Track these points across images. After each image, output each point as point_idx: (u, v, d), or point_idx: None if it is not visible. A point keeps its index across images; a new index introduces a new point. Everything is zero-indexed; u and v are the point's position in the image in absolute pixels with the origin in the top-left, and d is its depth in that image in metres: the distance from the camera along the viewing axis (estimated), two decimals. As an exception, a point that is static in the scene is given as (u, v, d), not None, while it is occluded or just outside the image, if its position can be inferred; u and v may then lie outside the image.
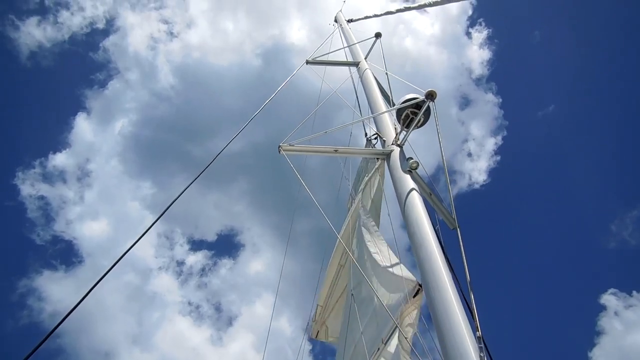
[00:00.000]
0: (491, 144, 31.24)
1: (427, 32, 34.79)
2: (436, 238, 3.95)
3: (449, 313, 3.24)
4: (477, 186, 30.29)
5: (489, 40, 34.42)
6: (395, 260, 5.23)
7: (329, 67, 9.34)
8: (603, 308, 24.72)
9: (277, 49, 32.01)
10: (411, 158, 4.90)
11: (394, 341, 4.51)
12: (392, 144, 5.43)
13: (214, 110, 31.91)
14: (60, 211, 28.24)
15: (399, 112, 5.64)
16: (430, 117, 5.45)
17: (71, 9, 30.80)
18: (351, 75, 8.76)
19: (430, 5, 9.79)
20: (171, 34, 33.56)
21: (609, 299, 24.68)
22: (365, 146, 7.21)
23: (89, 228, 29.94)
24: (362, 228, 6.18)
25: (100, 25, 31.74)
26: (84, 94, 32.42)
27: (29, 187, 27.17)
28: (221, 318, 28.63)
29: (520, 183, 31.74)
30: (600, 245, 27.41)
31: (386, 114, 6.18)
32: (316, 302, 7.22)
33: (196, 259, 30.22)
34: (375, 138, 6.57)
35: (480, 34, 33.55)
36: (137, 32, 33.28)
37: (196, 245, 31.22)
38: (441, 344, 3.15)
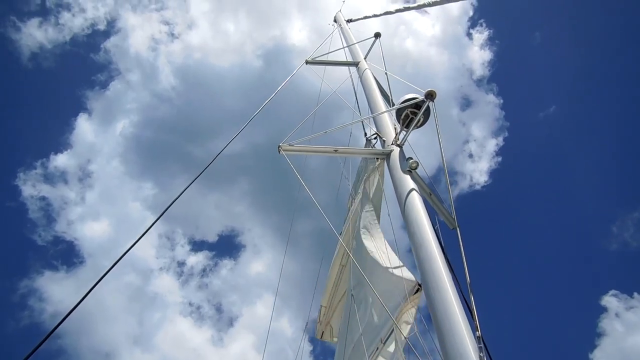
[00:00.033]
0: (492, 145, 31.26)
1: (428, 33, 34.81)
2: (436, 238, 3.96)
3: (449, 313, 3.24)
4: (478, 187, 30.30)
5: (490, 41, 34.40)
6: (395, 260, 5.23)
7: (328, 68, 9.34)
8: (604, 309, 24.74)
9: (278, 50, 32.02)
10: (411, 158, 4.90)
11: (393, 341, 4.51)
12: (392, 144, 5.44)
13: (215, 111, 31.96)
14: (62, 212, 28.28)
15: (399, 112, 5.64)
16: (430, 117, 5.46)
17: (72, 11, 30.87)
18: (350, 76, 8.77)
19: (429, 5, 9.79)
20: (172, 35, 33.60)
21: (610, 300, 24.70)
22: (365, 146, 7.21)
23: (90, 229, 29.97)
24: (362, 228, 6.18)
25: (102, 26, 31.80)
26: (85, 95, 32.48)
27: (30, 187, 27.22)
28: (222, 319, 28.65)
29: (522, 184, 31.76)
30: (602, 246, 27.41)
31: (386, 114, 6.19)
32: (319, 302, 7.24)
33: (197, 260, 30.24)
34: (375, 138, 6.57)
35: (481, 35, 33.56)
36: (138, 33, 33.31)
37: (197, 246, 31.21)
38: (441, 344, 3.15)
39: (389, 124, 5.93)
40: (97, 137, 31.95)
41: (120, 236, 29.15)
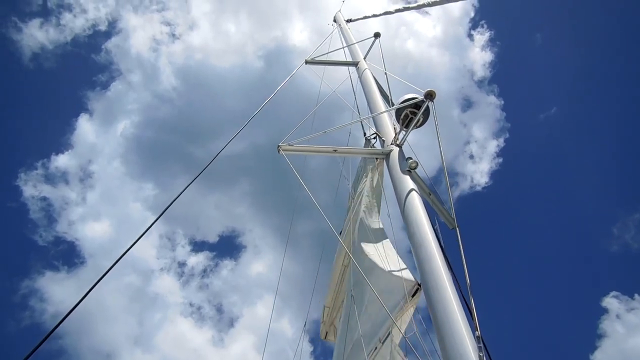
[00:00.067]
0: (493, 146, 31.24)
1: (429, 34, 34.81)
2: (436, 238, 3.95)
3: (448, 313, 3.23)
4: (479, 188, 30.30)
5: (491, 42, 34.41)
6: (394, 260, 5.22)
7: (328, 68, 9.33)
8: (605, 311, 24.71)
9: (279, 51, 32.01)
10: (410, 158, 4.90)
11: (392, 340, 4.51)
12: (392, 143, 5.43)
13: (216, 112, 31.94)
14: (63, 212, 28.29)
15: (398, 112, 5.64)
16: (430, 117, 5.45)
17: (74, 11, 30.90)
18: (350, 76, 8.77)
19: (429, 5, 9.78)
20: (173, 36, 33.62)
21: (610, 301, 24.69)
22: (365, 146, 7.21)
23: (91, 229, 29.97)
24: (362, 228, 6.18)
25: (103, 27, 31.81)
26: (86, 95, 32.53)
27: (31, 188, 27.23)
28: (222, 319, 28.65)
29: (522, 185, 31.75)
30: (602, 247, 27.38)
31: (385, 114, 6.18)
32: (320, 303, 7.23)
33: (198, 260, 30.23)
34: (375, 138, 6.57)
35: (482, 36, 33.55)
36: (140, 34, 33.32)
37: (198, 246, 31.22)
38: (440, 344, 3.14)
39: (389, 124, 5.92)
40: (98, 138, 32.01)
41: (121, 237, 29.17)
